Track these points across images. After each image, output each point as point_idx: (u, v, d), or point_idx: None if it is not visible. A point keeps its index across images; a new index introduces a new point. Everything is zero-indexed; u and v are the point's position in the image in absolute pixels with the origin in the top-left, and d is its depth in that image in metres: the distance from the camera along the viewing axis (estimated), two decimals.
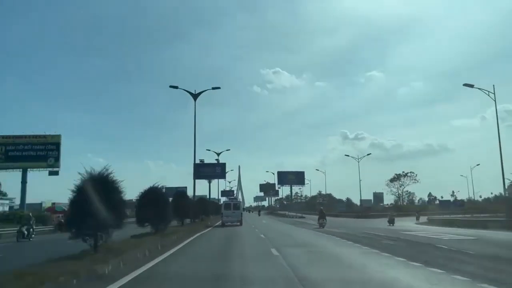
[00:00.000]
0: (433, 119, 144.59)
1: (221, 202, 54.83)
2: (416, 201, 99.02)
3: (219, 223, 35.11)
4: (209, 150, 57.91)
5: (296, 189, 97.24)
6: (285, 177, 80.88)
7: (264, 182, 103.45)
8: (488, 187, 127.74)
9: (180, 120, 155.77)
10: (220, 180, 63.99)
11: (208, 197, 53.88)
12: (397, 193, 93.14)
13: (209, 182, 54.45)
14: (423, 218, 41.96)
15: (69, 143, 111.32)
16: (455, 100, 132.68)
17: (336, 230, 24.66)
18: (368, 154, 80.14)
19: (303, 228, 28.71)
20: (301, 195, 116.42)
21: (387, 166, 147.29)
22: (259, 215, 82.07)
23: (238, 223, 32.91)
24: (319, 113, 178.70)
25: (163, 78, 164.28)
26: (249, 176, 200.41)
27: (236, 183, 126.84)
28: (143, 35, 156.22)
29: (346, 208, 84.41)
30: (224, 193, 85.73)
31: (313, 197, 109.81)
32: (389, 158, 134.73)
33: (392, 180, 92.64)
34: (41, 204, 57.04)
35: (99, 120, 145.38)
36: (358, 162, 67.44)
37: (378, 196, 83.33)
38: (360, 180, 65.55)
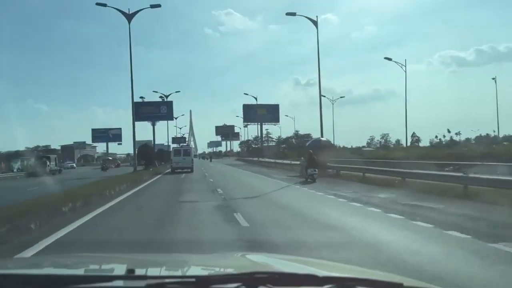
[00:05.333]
0: (383, 64, 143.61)
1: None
2: None
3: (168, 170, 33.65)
4: (156, 91, 51.77)
5: (266, 128, 78.85)
6: (253, 112, 60.13)
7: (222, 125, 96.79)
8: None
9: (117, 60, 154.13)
10: (169, 122, 58.71)
11: (152, 142, 45.65)
12: None
13: (153, 125, 44.51)
14: None
15: None
16: (405, 45, 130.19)
17: None
18: (341, 97, 66.38)
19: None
20: (273, 136, 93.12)
21: (336, 111, 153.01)
22: (210, 161, 72.58)
23: (189, 170, 31.44)
24: (273, 58, 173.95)
25: (99, 17, 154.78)
26: (202, 123, 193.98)
27: (188, 129, 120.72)
28: None
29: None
30: (175, 140, 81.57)
31: (286, 139, 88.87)
32: (338, 103, 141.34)
33: None
34: None
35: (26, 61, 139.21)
36: (333, 104, 58.76)
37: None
38: (333, 123, 56.76)
